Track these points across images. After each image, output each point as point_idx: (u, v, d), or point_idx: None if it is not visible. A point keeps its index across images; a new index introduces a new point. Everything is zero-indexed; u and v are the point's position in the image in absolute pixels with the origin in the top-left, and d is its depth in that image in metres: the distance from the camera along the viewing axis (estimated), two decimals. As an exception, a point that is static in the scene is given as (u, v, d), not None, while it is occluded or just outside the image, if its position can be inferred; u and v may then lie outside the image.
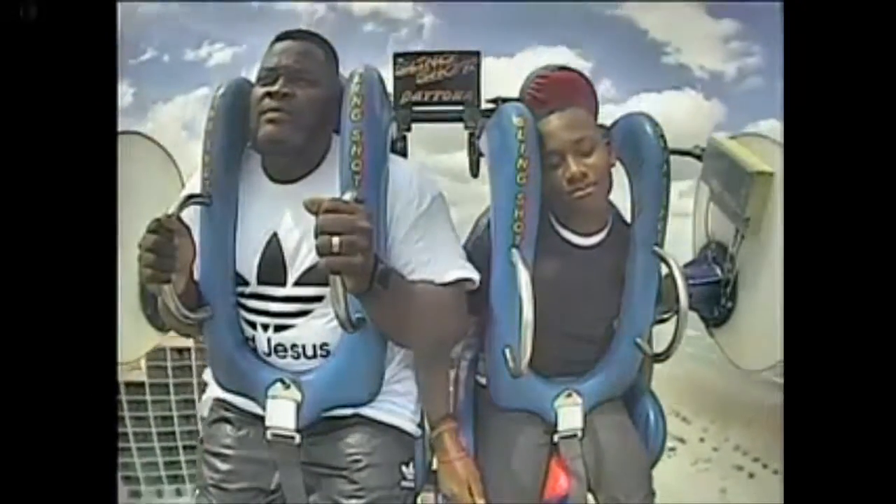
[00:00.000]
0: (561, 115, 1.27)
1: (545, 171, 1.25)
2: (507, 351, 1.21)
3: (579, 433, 1.32)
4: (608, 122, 1.39)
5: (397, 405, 1.25)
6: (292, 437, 1.18)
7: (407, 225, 1.15)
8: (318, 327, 1.18)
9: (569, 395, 1.33)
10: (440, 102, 1.60)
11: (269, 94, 1.11)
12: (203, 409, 1.33)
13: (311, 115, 1.13)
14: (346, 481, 1.19)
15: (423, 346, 1.25)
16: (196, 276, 1.17)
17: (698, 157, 1.55)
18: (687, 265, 1.53)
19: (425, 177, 1.20)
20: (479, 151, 1.47)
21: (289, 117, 1.11)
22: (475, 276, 1.18)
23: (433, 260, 1.14)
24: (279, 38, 1.18)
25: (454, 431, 1.29)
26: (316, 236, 0.90)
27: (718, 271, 1.48)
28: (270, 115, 1.11)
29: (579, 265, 1.31)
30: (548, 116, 1.27)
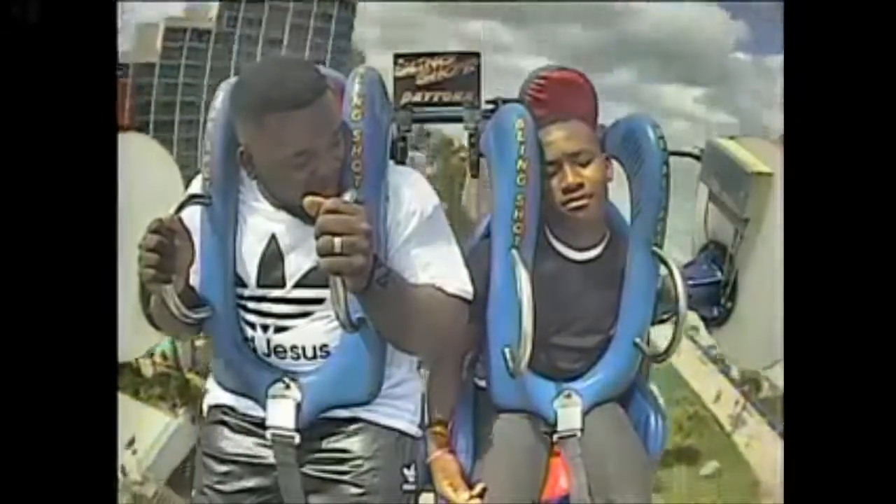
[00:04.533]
0: (561, 126, 1.27)
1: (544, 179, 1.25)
2: (507, 351, 1.21)
3: (578, 433, 1.32)
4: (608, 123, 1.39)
5: (397, 408, 1.25)
6: (292, 438, 1.19)
7: (408, 232, 1.15)
8: (318, 329, 1.18)
9: (568, 396, 1.33)
10: (440, 103, 1.61)
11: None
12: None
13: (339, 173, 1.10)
14: (349, 486, 1.19)
15: (423, 350, 1.25)
16: (196, 277, 1.17)
17: (697, 158, 1.55)
18: (687, 266, 1.53)
19: (425, 186, 1.20)
20: (479, 152, 1.47)
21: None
22: (469, 291, 1.17)
23: (433, 264, 1.14)
24: (287, 107, 1.01)
25: (438, 434, 1.31)
26: (316, 237, 0.90)
27: (718, 272, 1.48)
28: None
29: (572, 280, 1.31)
30: (548, 126, 1.27)
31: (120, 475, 12.12)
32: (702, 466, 15.32)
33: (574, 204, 1.25)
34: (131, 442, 12.65)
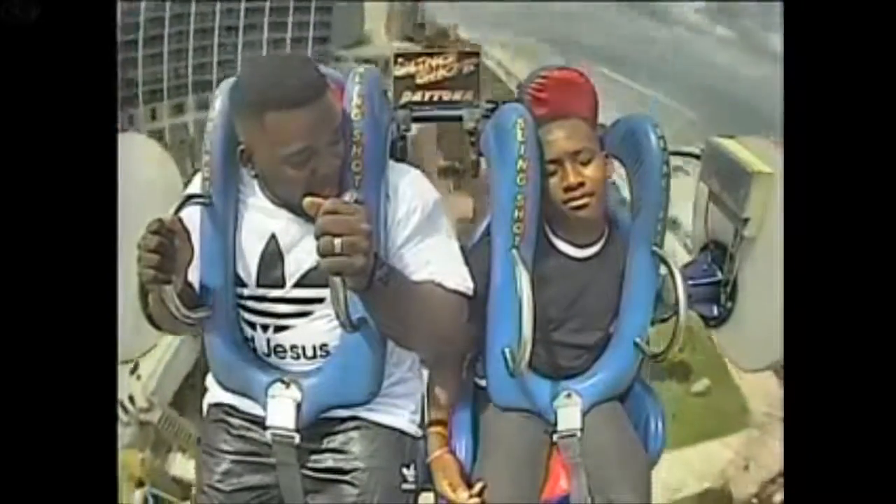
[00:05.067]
0: (562, 125, 1.27)
1: (542, 180, 1.25)
2: (507, 351, 1.21)
3: (578, 433, 1.32)
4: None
5: (397, 407, 1.25)
6: (292, 437, 1.19)
7: (408, 230, 1.15)
8: (318, 328, 1.18)
9: (568, 396, 1.33)
10: (440, 102, 1.60)
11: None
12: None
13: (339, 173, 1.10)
14: (348, 485, 1.19)
15: (425, 347, 1.25)
16: (195, 276, 1.16)
17: (698, 157, 1.55)
18: (687, 265, 1.54)
19: (425, 183, 1.20)
20: (479, 152, 1.47)
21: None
22: (470, 286, 1.17)
23: (433, 261, 1.14)
24: (287, 105, 1.02)
25: (438, 434, 1.31)
26: (317, 238, 0.90)
27: (718, 271, 1.48)
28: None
29: (573, 276, 1.32)
30: (549, 125, 1.27)
31: (129, 405, 12.05)
32: (693, 383, 15.29)
33: (575, 203, 1.25)
34: (135, 367, 12.43)
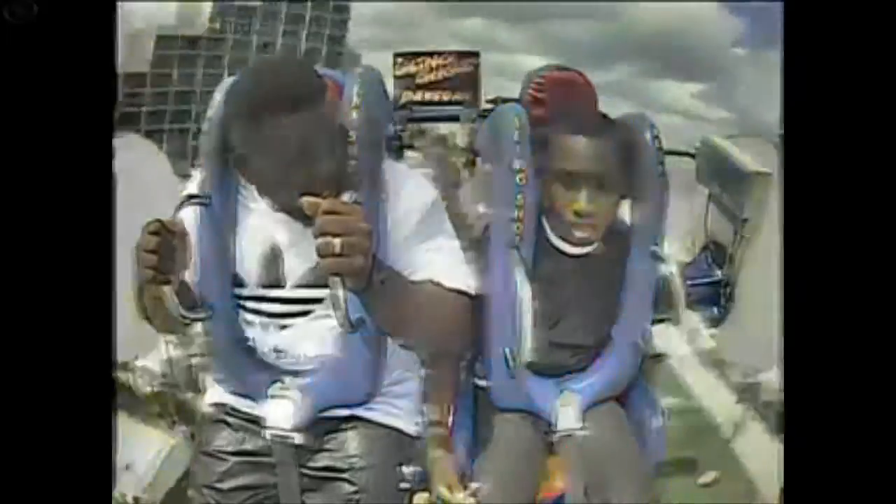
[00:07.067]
0: (592, 141, 1.24)
1: (552, 182, 1.24)
2: (507, 351, 1.21)
3: (577, 433, 1.32)
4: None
5: (396, 406, 1.25)
6: (290, 438, 1.19)
7: (408, 229, 1.14)
8: (318, 328, 1.18)
9: (567, 396, 1.33)
10: (440, 102, 1.61)
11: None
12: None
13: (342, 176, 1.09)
14: (346, 483, 1.19)
15: (426, 347, 1.25)
16: (195, 277, 1.16)
17: (692, 156, 1.55)
18: (686, 265, 1.54)
19: (424, 181, 1.20)
20: (477, 152, 1.47)
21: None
22: (473, 285, 1.17)
23: (434, 260, 1.14)
24: (284, 110, 0.99)
25: (437, 434, 1.32)
26: (315, 238, 0.90)
27: (718, 272, 1.48)
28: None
29: (572, 274, 1.31)
30: (577, 135, 1.25)
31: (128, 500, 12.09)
32: (699, 475, 15.23)
33: (578, 229, 1.25)
34: (128, 466, 12.56)
